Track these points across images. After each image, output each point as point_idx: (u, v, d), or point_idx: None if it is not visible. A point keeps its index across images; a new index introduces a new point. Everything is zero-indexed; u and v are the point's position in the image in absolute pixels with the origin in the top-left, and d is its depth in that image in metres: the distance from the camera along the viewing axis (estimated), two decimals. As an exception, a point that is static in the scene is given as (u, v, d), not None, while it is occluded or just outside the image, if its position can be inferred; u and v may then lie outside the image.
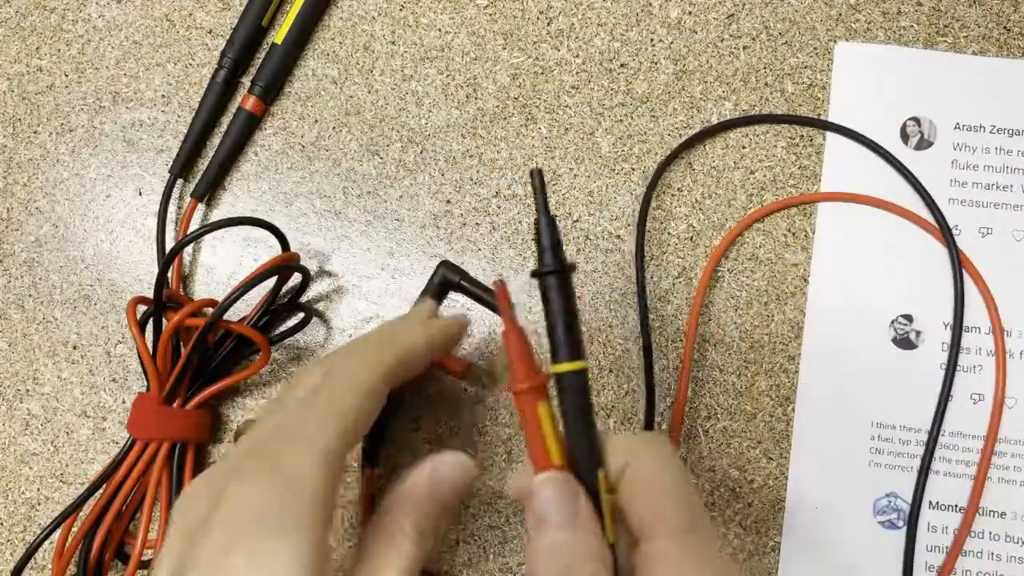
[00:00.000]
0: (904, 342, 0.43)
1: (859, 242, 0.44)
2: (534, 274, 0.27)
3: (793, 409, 0.42)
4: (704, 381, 0.43)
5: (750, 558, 0.41)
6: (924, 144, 0.45)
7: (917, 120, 0.45)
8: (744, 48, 0.46)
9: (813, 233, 0.44)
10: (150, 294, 0.42)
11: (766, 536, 0.42)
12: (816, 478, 0.42)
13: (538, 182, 0.27)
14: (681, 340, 0.43)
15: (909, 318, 0.43)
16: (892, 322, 0.43)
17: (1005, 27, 0.45)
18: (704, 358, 0.43)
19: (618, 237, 0.44)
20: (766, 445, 0.42)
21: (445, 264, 0.44)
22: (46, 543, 0.43)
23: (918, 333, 0.43)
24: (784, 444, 0.42)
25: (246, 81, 0.47)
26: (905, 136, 0.45)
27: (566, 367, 0.27)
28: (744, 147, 0.45)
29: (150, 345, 0.42)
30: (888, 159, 0.44)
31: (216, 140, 0.46)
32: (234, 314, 0.43)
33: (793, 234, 0.44)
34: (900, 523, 0.41)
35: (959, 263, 0.43)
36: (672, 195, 0.45)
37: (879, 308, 0.43)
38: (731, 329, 0.43)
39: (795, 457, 0.42)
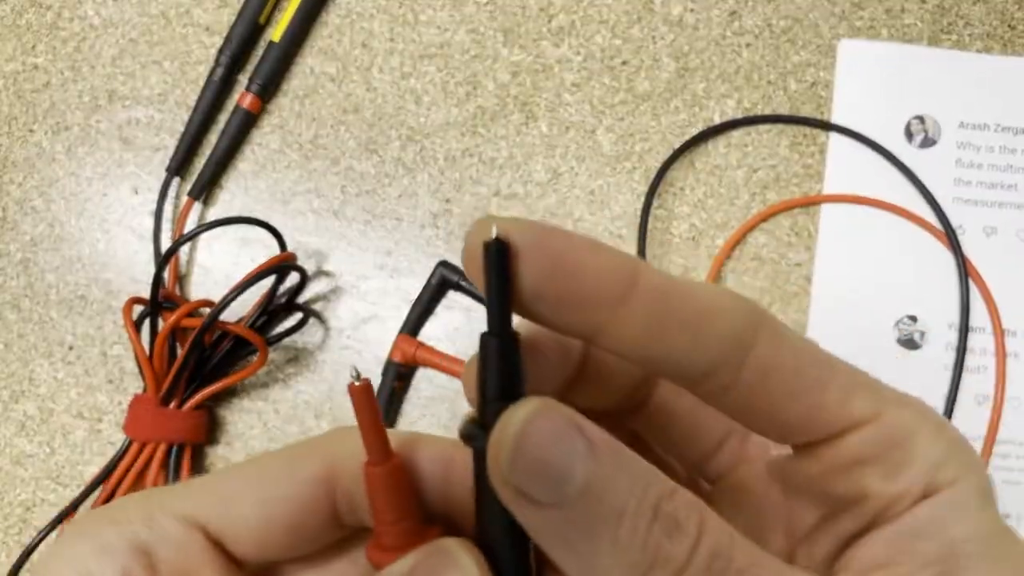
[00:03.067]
0: (908, 342, 0.42)
1: (863, 242, 0.43)
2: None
3: (796, 410, 0.42)
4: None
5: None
6: (928, 142, 0.44)
7: (921, 118, 0.45)
8: (747, 46, 0.45)
9: (816, 233, 0.44)
10: (146, 294, 0.41)
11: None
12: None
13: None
14: (683, 341, 0.43)
15: (913, 318, 0.43)
16: (896, 322, 0.43)
17: (1010, 25, 0.45)
18: (706, 359, 0.43)
19: (620, 236, 0.44)
20: (769, 447, 0.42)
21: (444, 264, 0.44)
22: (42, 545, 0.42)
23: (922, 334, 0.43)
24: (787, 446, 0.42)
25: (243, 79, 0.47)
26: (909, 134, 0.44)
27: None
28: (747, 146, 0.45)
29: (146, 346, 0.41)
30: (892, 160, 0.44)
31: (213, 138, 0.46)
32: (231, 314, 0.42)
33: (796, 234, 0.44)
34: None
35: (964, 264, 0.42)
36: (674, 194, 0.44)
37: (883, 308, 0.43)
38: (733, 329, 0.43)
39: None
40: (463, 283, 0.43)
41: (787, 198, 0.44)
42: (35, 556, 0.42)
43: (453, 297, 0.44)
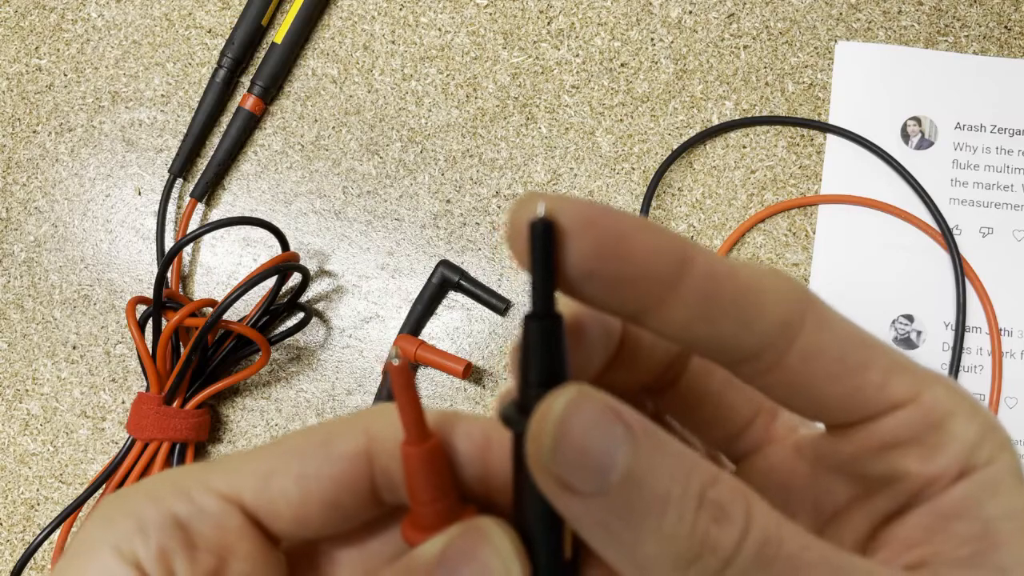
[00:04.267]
0: (905, 342, 0.43)
1: (860, 242, 0.44)
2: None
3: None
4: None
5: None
6: (925, 144, 0.45)
7: (918, 120, 0.45)
8: (745, 48, 0.46)
9: (814, 233, 0.44)
10: (149, 294, 0.42)
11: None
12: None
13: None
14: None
15: (910, 318, 0.43)
16: (893, 322, 0.43)
17: (1006, 27, 0.45)
18: (704, 358, 0.43)
19: (618, 237, 0.44)
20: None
21: (444, 263, 0.44)
22: (46, 543, 0.43)
23: (919, 333, 0.43)
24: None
25: (246, 80, 0.47)
26: (906, 135, 0.45)
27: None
28: (744, 147, 0.45)
29: (150, 345, 0.42)
30: (889, 161, 0.44)
31: (216, 140, 0.46)
32: (234, 314, 0.42)
33: (794, 234, 0.44)
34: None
35: (960, 264, 0.43)
36: (673, 195, 0.45)
37: (880, 308, 0.43)
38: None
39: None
40: (463, 283, 0.43)
41: (785, 199, 0.44)
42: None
43: (453, 297, 0.44)
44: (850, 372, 0.16)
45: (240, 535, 0.18)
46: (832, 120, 0.45)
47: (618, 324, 0.18)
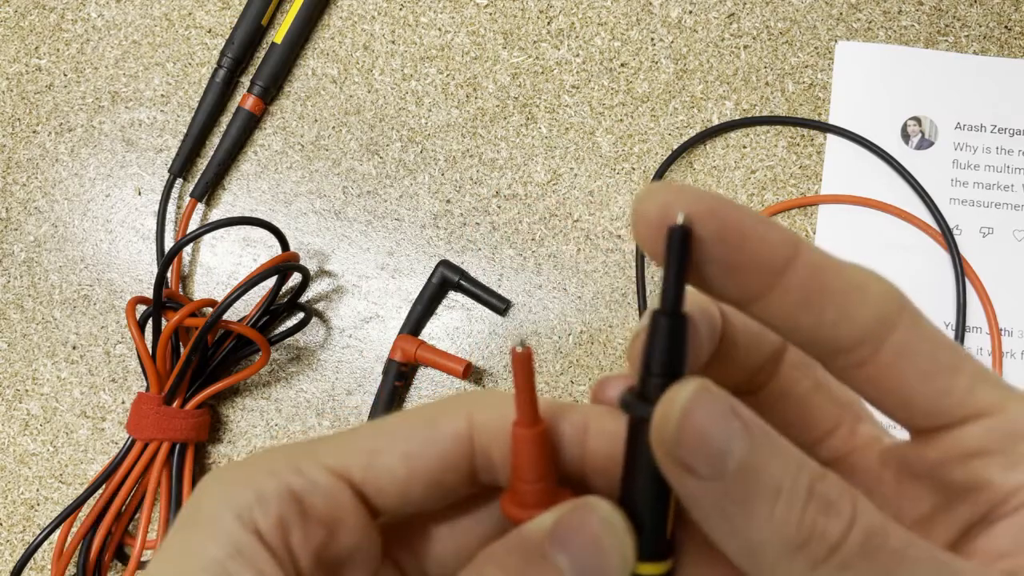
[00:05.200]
0: (905, 342, 0.43)
1: (860, 242, 0.44)
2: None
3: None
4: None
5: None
6: (925, 144, 0.45)
7: (918, 120, 0.45)
8: (745, 47, 0.46)
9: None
10: (149, 294, 0.42)
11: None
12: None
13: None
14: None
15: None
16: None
17: (1006, 26, 0.45)
18: (704, 358, 0.43)
19: (619, 237, 0.44)
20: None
21: (444, 263, 0.44)
22: (45, 543, 0.42)
23: (919, 333, 0.43)
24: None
25: (246, 80, 0.47)
26: (906, 135, 0.45)
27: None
28: (745, 147, 0.45)
29: (149, 345, 0.42)
30: (889, 161, 0.44)
31: (215, 140, 0.46)
32: (234, 314, 0.42)
33: (794, 234, 0.44)
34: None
35: (960, 264, 0.43)
36: (672, 195, 0.45)
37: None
38: (732, 329, 0.43)
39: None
40: (463, 283, 0.43)
41: (785, 199, 0.44)
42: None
43: (453, 297, 0.44)
44: (940, 373, 0.17)
45: (349, 510, 0.19)
46: (832, 120, 0.45)
47: (719, 322, 0.20)
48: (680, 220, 0.16)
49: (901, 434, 0.19)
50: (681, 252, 0.17)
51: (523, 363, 0.18)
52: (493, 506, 0.20)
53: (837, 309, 0.17)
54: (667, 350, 0.17)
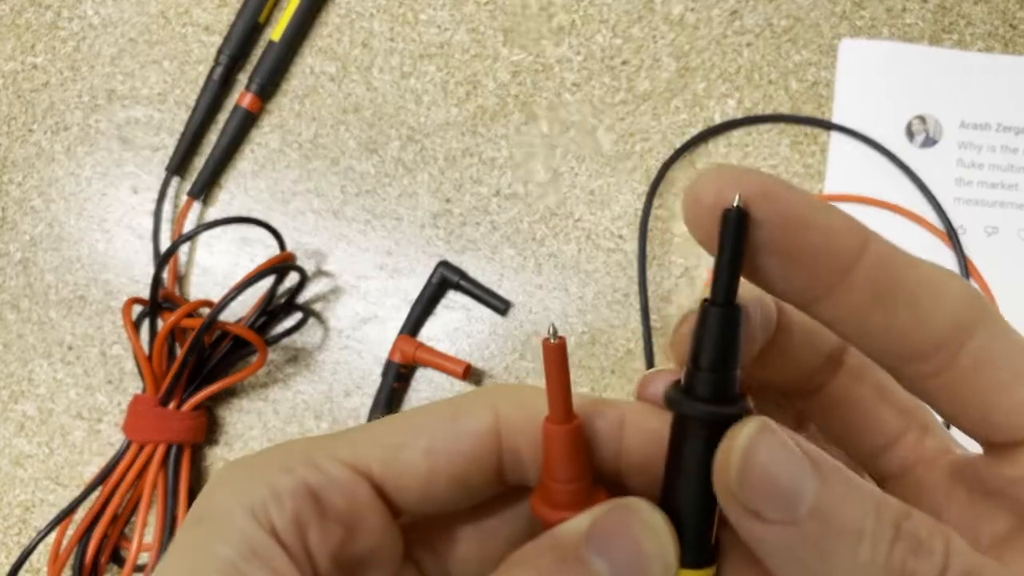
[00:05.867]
0: (909, 343, 0.42)
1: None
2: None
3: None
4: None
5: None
6: (929, 142, 0.44)
7: (922, 118, 0.44)
8: (748, 45, 0.45)
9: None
10: (146, 294, 0.41)
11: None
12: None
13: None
14: (683, 341, 0.43)
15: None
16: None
17: (1011, 24, 0.45)
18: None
19: (620, 236, 0.44)
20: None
21: (444, 264, 0.44)
22: (41, 546, 0.42)
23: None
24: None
25: (243, 78, 0.46)
26: (910, 134, 0.44)
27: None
28: (747, 145, 0.44)
29: (146, 346, 0.41)
30: (893, 160, 0.44)
31: (213, 138, 0.46)
32: (230, 314, 0.42)
33: (797, 233, 0.44)
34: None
35: (965, 264, 0.42)
36: (675, 194, 0.44)
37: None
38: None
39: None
40: (463, 283, 0.43)
41: (788, 198, 0.44)
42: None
43: (453, 297, 0.44)
44: (1020, 385, 0.16)
45: (368, 507, 0.18)
46: (836, 118, 0.44)
47: (775, 314, 0.18)
48: (736, 202, 0.15)
49: (969, 443, 0.18)
50: (736, 237, 0.15)
51: (556, 354, 0.17)
52: (520, 507, 0.19)
53: (910, 311, 0.15)
54: (718, 343, 0.16)
